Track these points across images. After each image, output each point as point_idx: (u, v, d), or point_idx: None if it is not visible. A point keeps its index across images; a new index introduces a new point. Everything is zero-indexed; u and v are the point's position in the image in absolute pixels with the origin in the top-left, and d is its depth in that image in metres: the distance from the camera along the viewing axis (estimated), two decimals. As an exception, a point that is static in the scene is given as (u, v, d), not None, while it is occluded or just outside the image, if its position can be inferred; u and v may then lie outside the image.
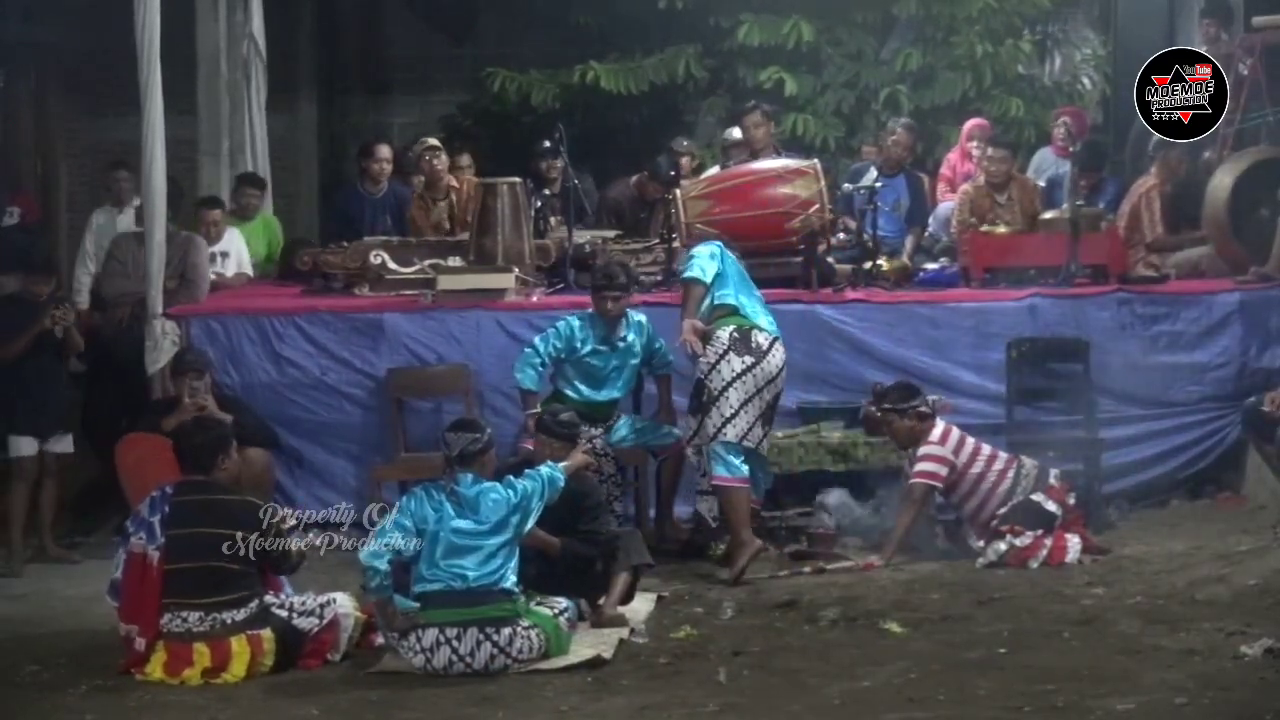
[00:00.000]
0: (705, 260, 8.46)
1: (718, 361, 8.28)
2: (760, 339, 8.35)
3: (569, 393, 8.70)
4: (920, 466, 8.45)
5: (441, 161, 10.81)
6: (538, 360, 8.63)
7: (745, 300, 8.48)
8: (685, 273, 8.54)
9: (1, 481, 9.17)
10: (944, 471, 8.41)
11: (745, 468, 8.29)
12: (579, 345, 8.67)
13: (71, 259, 11.15)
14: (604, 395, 8.77)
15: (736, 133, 11.39)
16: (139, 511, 7.01)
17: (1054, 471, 8.54)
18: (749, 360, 8.27)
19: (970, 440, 8.53)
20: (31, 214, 12.86)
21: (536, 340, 8.72)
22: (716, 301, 8.43)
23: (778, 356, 8.39)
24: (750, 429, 8.29)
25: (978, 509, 8.45)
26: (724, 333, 8.31)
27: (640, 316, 8.88)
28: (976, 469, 8.44)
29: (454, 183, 10.93)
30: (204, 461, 7.02)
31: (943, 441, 8.48)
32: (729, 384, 8.27)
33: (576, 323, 8.73)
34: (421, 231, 10.57)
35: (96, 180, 13.03)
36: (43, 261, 9.47)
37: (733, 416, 8.25)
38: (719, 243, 8.68)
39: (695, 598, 7.89)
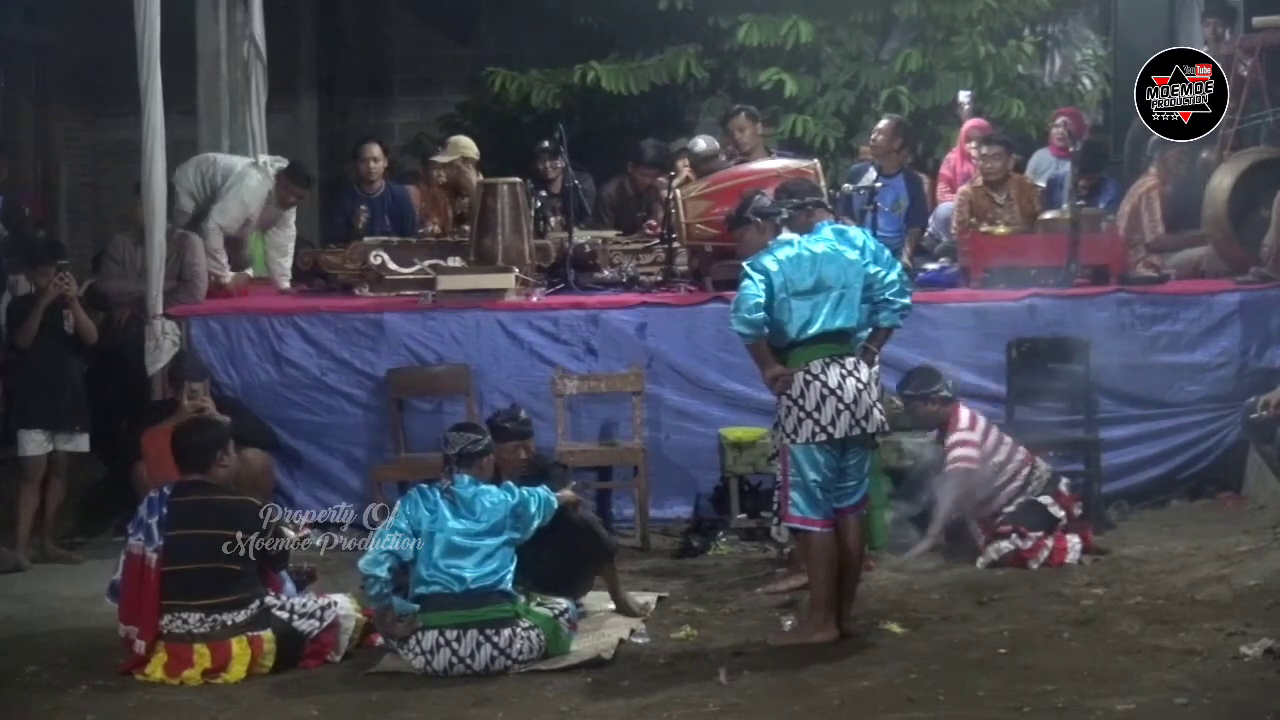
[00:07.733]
0: (752, 305, 6.84)
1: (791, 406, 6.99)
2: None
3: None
4: (957, 452, 8.40)
5: (472, 173, 10.69)
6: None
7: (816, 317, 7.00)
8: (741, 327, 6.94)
9: (10, 478, 9.16)
10: (976, 455, 8.38)
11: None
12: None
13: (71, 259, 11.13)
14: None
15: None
16: (138, 512, 7.00)
17: (1065, 480, 8.57)
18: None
19: (995, 429, 8.54)
20: (36, 210, 12.88)
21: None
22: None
23: (851, 379, 6.97)
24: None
25: (987, 500, 8.45)
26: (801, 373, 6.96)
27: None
28: (999, 458, 8.43)
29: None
30: (200, 460, 6.98)
31: (972, 427, 8.48)
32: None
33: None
34: (429, 219, 10.57)
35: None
36: (45, 249, 9.45)
37: None
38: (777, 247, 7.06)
39: (695, 598, 7.89)
